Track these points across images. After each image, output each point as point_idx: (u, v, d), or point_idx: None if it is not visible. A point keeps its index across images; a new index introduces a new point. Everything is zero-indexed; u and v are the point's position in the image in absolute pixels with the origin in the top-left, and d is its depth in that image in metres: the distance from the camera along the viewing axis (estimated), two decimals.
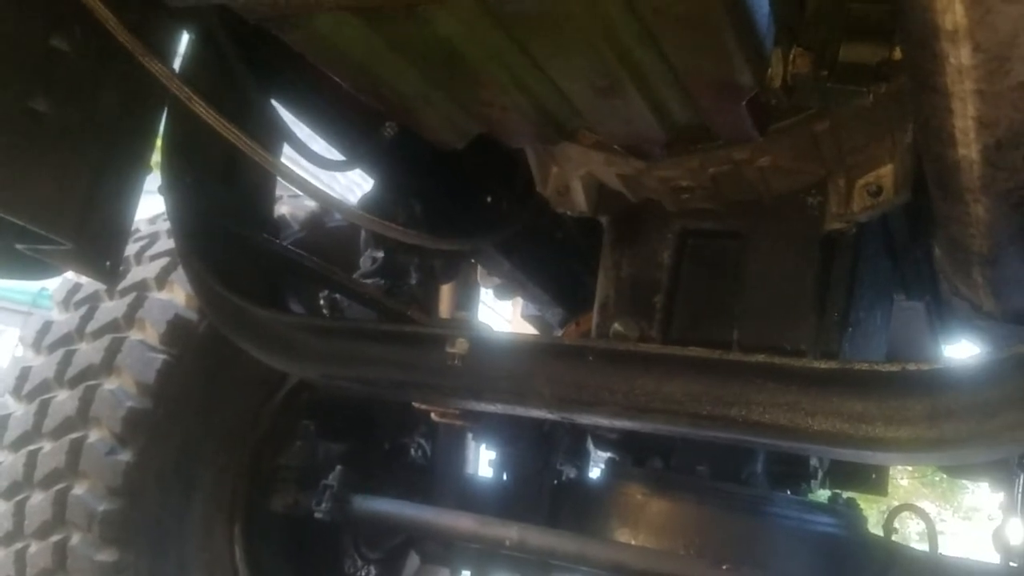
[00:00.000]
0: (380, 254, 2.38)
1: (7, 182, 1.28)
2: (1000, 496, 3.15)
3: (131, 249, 2.74)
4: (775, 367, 1.26)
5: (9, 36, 1.33)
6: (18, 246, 1.45)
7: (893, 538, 2.54)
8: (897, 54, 1.31)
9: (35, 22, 1.36)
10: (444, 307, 2.87)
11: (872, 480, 3.19)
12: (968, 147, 0.98)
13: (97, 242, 1.47)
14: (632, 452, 2.66)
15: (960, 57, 0.85)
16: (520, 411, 1.52)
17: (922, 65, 0.91)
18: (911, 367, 1.15)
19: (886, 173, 1.64)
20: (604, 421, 1.45)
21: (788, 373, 1.25)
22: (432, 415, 2.20)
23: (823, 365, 1.24)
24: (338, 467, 2.50)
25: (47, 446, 2.46)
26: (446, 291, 2.91)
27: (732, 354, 1.31)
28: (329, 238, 2.84)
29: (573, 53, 1.14)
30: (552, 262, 2.89)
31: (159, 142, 1.73)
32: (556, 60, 1.18)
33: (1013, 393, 1.10)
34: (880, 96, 1.36)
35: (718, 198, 1.76)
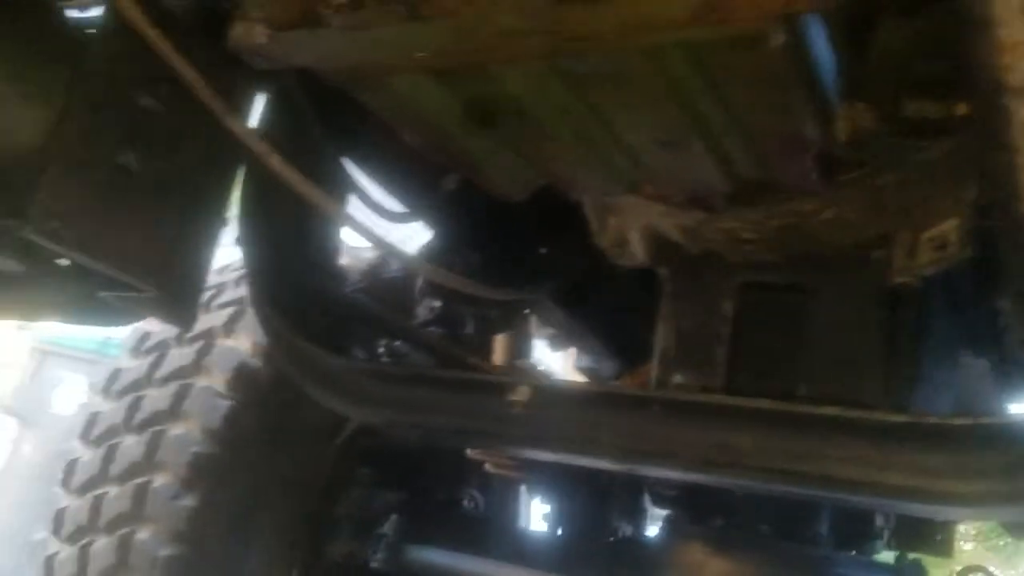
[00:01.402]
0: (437, 303, 2.42)
1: (99, 234, 1.35)
2: None
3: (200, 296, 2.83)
4: (847, 420, 1.25)
5: (102, 95, 1.41)
6: (101, 294, 1.52)
7: None
8: (960, 109, 1.32)
9: (125, 82, 1.44)
10: (498, 357, 2.89)
11: (938, 541, 3.08)
12: None
13: (177, 290, 1.53)
14: (691, 509, 2.61)
15: None
16: (583, 461, 1.52)
17: (989, 121, 0.92)
18: (984, 420, 1.14)
19: (951, 227, 1.62)
20: (671, 474, 1.44)
21: (860, 426, 1.24)
22: (487, 465, 2.21)
23: (895, 418, 1.22)
24: (393, 516, 2.51)
25: (113, 491, 2.51)
26: (500, 341, 2.93)
27: (803, 406, 1.30)
28: (386, 288, 2.89)
29: (639, 109, 1.18)
30: (607, 313, 2.90)
31: (236, 195, 1.81)
32: (621, 116, 1.21)
33: None
34: (943, 151, 1.36)
35: (781, 250, 1.76)
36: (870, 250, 1.71)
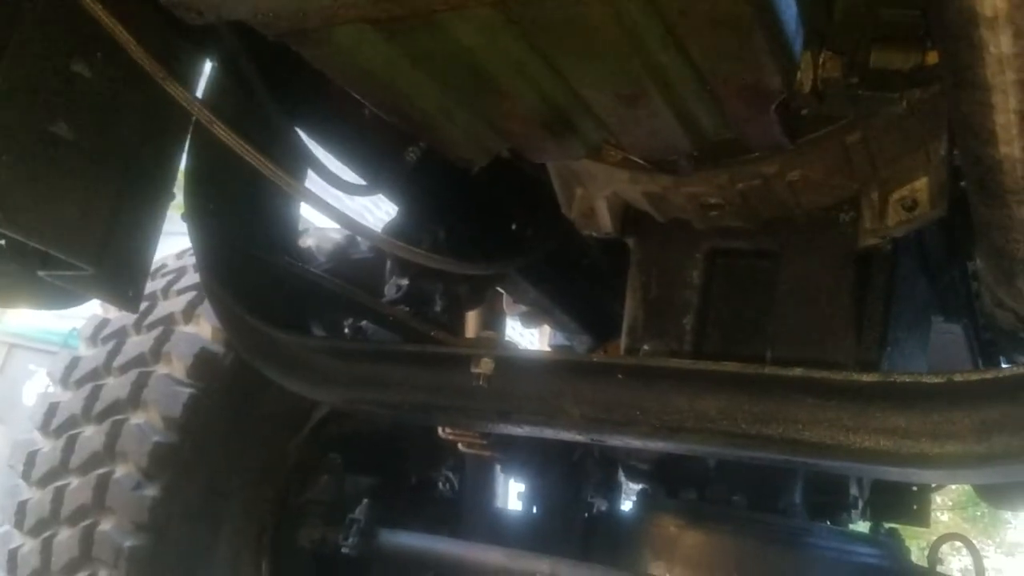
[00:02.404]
0: (404, 281, 2.36)
1: (28, 207, 1.28)
2: None
3: (158, 284, 2.76)
4: (814, 381, 1.21)
5: (30, 61, 1.34)
6: (40, 273, 1.44)
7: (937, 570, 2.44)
8: (930, 59, 1.27)
9: (57, 47, 1.37)
10: (470, 335, 2.84)
11: (914, 511, 3.09)
12: (1010, 144, 0.94)
13: (119, 269, 1.46)
14: (665, 483, 2.59)
15: (1000, 45, 0.82)
16: (548, 432, 1.47)
17: (960, 58, 0.88)
18: (957, 378, 1.10)
19: (921, 186, 1.59)
20: (636, 442, 1.40)
21: (828, 387, 1.20)
22: (459, 446, 2.16)
23: (865, 378, 1.19)
24: (365, 501, 2.47)
25: (74, 482, 2.45)
26: (472, 320, 2.88)
27: (769, 368, 1.26)
28: (355, 269, 2.83)
29: (596, 60, 1.12)
30: (578, 288, 2.86)
31: (183, 170, 1.73)
32: (578, 68, 1.15)
33: None
34: (913, 104, 1.32)
35: (748, 215, 1.72)
36: (838, 213, 1.68)
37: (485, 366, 1.44)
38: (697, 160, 1.50)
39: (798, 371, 1.22)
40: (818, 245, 1.72)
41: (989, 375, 1.09)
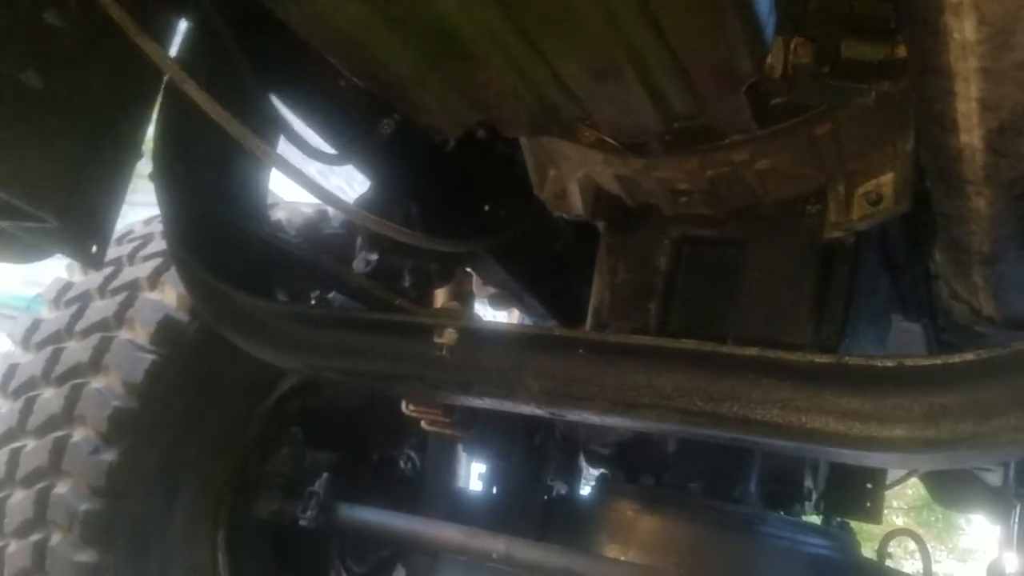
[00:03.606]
0: (374, 256, 2.36)
1: None
2: (997, 533, 3.10)
3: (124, 250, 2.74)
4: (769, 361, 1.23)
5: (1, 9, 1.32)
6: (1, 224, 1.42)
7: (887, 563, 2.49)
8: (900, 52, 1.30)
9: None
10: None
11: (867, 508, 3.13)
12: (970, 132, 0.95)
13: (83, 223, 1.44)
14: (624, 468, 2.62)
15: (964, 31, 0.83)
16: (508, 406, 1.48)
17: (924, 44, 0.89)
18: (908, 362, 1.12)
19: (886, 181, 1.61)
20: (594, 417, 1.41)
21: (782, 367, 1.22)
22: (422, 423, 2.16)
23: (818, 359, 1.21)
24: (325, 475, 2.46)
25: (31, 444, 2.42)
26: (440, 299, 2.88)
27: (725, 347, 1.28)
28: (325, 244, 2.82)
29: (570, 34, 1.12)
30: (548, 272, 2.87)
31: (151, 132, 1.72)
32: (553, 41, 1.16)
33: (1013, 392, 1.07)
34: (882, 96, 1.34)
35: (716, 203, 1.73)
36: (804, 204, 1.70)
37: (448, 336, 1.45)
38: (668, 144, 1.51)
39: (753, 351, 1.24)
40: (783, 236, 1.74)
41: (939, 361, 1.11)
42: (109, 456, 2.32)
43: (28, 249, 1.53)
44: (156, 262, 2.62)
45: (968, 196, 1.06)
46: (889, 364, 1.13)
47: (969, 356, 1.07)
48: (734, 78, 1.12)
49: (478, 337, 1.48)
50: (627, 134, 1.39)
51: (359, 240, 2.48)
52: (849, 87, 1.29)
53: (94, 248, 1.50)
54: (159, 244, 2.67)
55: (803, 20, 1.25)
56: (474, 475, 3.18)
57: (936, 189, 1.14)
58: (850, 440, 1.17)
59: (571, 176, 1.91)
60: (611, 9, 1.06)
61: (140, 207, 2.67)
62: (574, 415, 1.42)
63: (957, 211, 1.11)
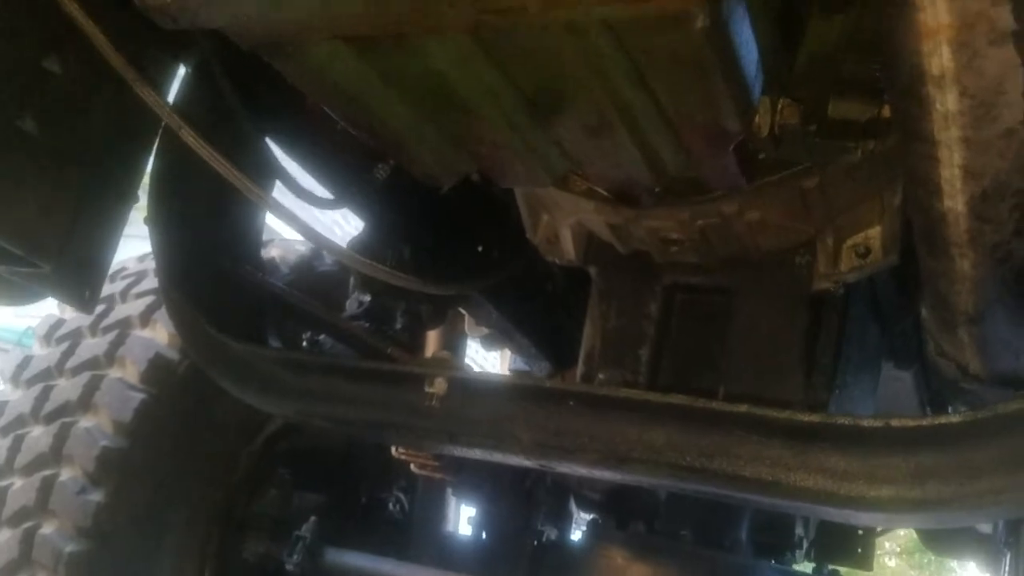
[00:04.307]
0: (367, 298, 2.36)
1: None
2: None
3: (117, 287, 2.74)
4: (759, 418, 1.23)
5: (2, 55, 1.33)
6: None
7: None
8: (886, 112, 1.32)
9: (29, 42, 1.37)
10: (431, 352, 2.84)
11: (858, 554, 3.12)
12: (954, 198, 0.97)
13: (77, 268, 1.45)
14: (615, 514, 2.60)
15: (946, 103, 0.85)
16: (497, 456, 1.48)
17: (909, 112, 0.91)
18: (895, 423, 1.13)
19: (874, 234, 1.64)
20: (583, 470, 1.41)
21: (772, 425, 1.23)
22: (412, 466, 2.15)
23: (806, 418, 1.21)
24: (312, 519, 2.45)
25: (18, 483, 2.41)
26: (432, 340, 2.88)
27: (716, 403, 1.28)
28: (318, 282, 2.83)
29: (564, 90, 1.14)
30: (540, 313, 2.88)
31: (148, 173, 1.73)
32: (547, 97, 1.18)
33: (998, 455, 1.07)
34: (868, 154, 1.36)
35: (707, 252, 1.75)
36: (794, 255, 1.72)
37: (438, 386, 1.45)
38: (659, 196, 1.53)
39: (744, 407, 1.24)
40: (773, 286, 1.75)
41: (925, 422, 1.12)
42: (96, 496, 2.31)
43: (20, 292, 1.53)
44: (149, 299, 2.63)
45: (952, 257, 1.08)
46: (876, 424, 1.14)
47: (955, 418, 1.08)
48: (722, 137, 1.14)
49: (468, 387, 1.48)
50: (618, 187, 1.41)
51: (352, 280, 2.49)
52: (836, 145, 1.31)
53: (87, 293, 1.50)
54: (152, 282, 2.68)
55: (790, 80, 1.28)
56: (463, 519, 3.16)
57: (921, 248, 1.15)
58: (838, 499, 1.17)
59: (563, 222, 1.93)
60: (603, 70, 1.08)
61: (134, 239, 2.68)
62: (564, 467, 1.42)
63: (942, 271, 1.13)
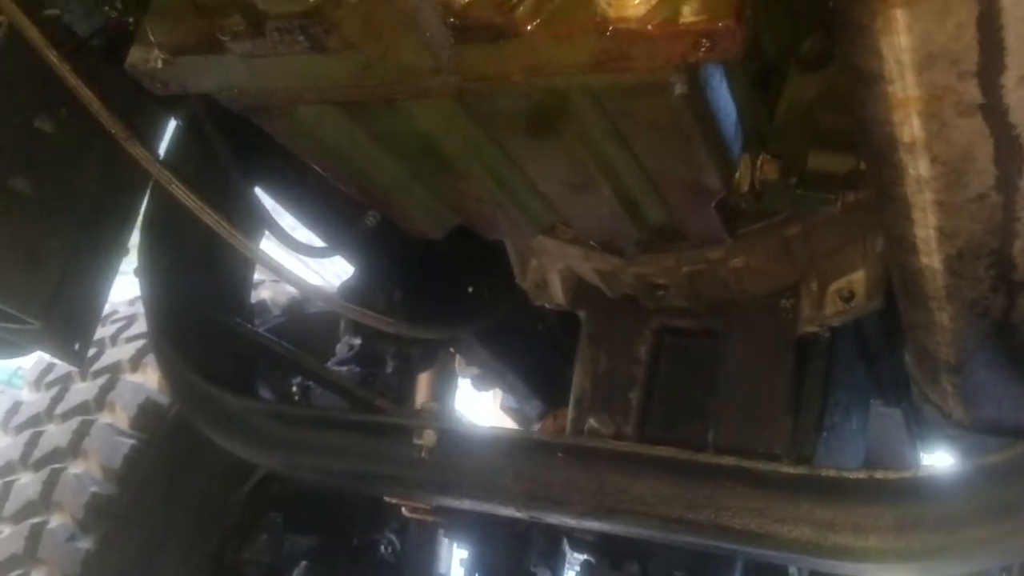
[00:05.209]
0: (357, 341, 2.37)
1: None
2: None
3: (107, 331, 2.74)
4: (745, 471, 1.24)
5: None
6: None
7: None
8: (864, 164, 1.34)
9: (20, 102, 1.38)
10: (421, 396, 2.84)
11: None
12: (930, 256, 0.99)
13: (67, 324, 1.45)
14: (609, 555, 2.59)
15: (919, 168, 0.87)
16: (487, 507, 1.49)
17: (883, 176, 0.93)
18: (879, 475, 1.14)
19: (858, 279, 1.66)
20: (572, 522, 1.42)
21: (757, 477, 1.24)
22: (403, 510, 2.15)
23: (792, 470, 1.22)
24: (303, 563, 2.43)
25: (6, 530, 2.39)
26: (424, 380, 2.88)
27: (702, 456, 1.30)
28: (309, 323, 2.84)
29: (547, 150, 1.17)
30: (531, 354, 2.89)
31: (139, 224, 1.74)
32: (531, 156, 1.20)
33: (981, 506, 1.08)
34: (849, 204, 1.38)
35: (694, 297, 1.77)
36: (779, 299, 1.74)
37: (428, 438, 1.46)
38: (644, 244, 1.55)
39: (731, 460, 1.26)
40: (760, 329, 1.77)
41: (908, 474, 1.13)
42: (85, 544, 2.30)
43: (8, 346, 1.54)
44: (139, 344, 2.63)
45: (931, 311, 1.09)
46: (861, 476, 1.15)
47: (937, 471, 1.10)
48: (704, 195, 1.17)
49: (457, 439, 1.49)
50: (604, 239, 1.43)
51: (343, 324, 2.50)
52: (816, 197, 1.33)
53: (77, 346, 1.51)
54: (142, 325, 2.68)
55: (770, 135, 1.30)
56: (456, 561, 3.14)
57: (901, 300, 1.17)
58: (825, 549, 1.18)
59: (552, 267, 1.95)
60: (586, 129, 1.10)
61: (124, 275, 2.69)
62: (553, 519, 1.43)
63: (921, 323, 1.14)
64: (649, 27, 0.86)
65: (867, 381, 2.15)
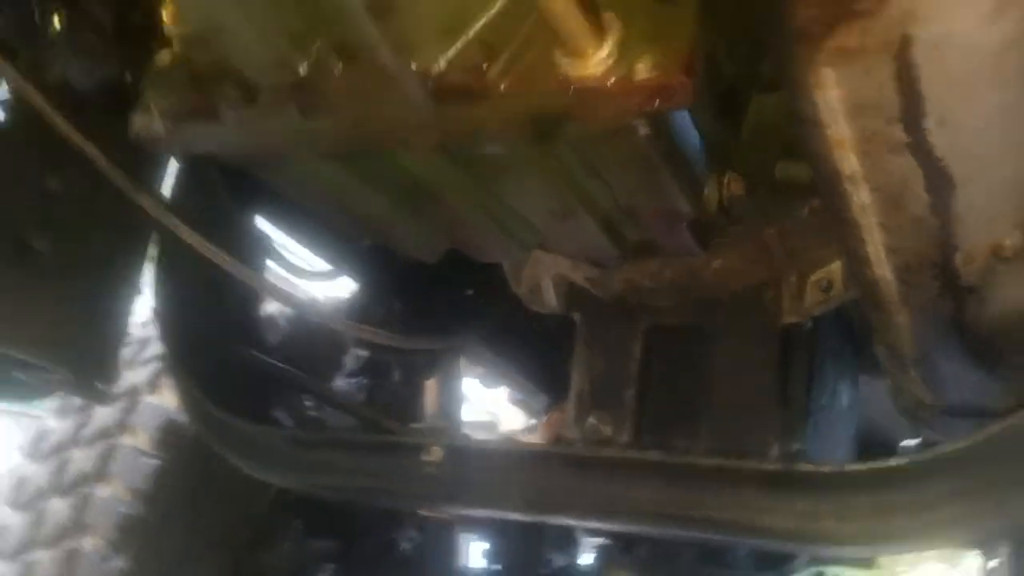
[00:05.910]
0: (365, 353, 2.46)
1: (6, 319, 1.37)
2: None
3: (123, 354, 2.83)
4: (728, 469, 1.35)
5: (7, 178, 1.44)
6: (14, 374, 1.53)
7: None
8: None
9: (31, 164, 1.47)
10: (429, 400, 2.94)
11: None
12: (882, 268, 1.08)
13: (89, 367, 1.55)
14: (620, 538, 2.69)
15: (861, 197, 0.96)
16: (494, 515, 1.59)
17: (833, 201, 1.02)
18: (849, 468, 1.24)
19: (836, 269, 1.74)
20: (573, 523, 1.52)
21: (740, 474, 1.34)
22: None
23: (770, 467, 1.33)
24: (328, 566, 2.53)
25: (44, 555, 2.49)
26: (431, 384, 2.97)
27: (690, 458, 1.40)
28: (316, 334, 2.92)
29: (529, 186, 1.25)
30: (532, 354, 2.97)
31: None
32: (514, 191, 1.29)
33: (945, 490, 1.18)
34: (816, 208, 1.47)
35: (679, 296, 1.85)
36: (761, 292, 1.82)
37: (435, 454, 1.56)
38: (625, 257, 1.64)
39: (716, 460, 1.36)
40: (744, 322, 1.85)
41: (877, 465, 1.23)
42: (119, 563, 2.39)
43: (35, 392, 1.64)
44: (154, 365, 2.72)
45: (890, 313, 1.18)
46: (832, 470, 1.25)
47: (903, 460, 1.19)
48: (675, 218, 1.25)
49: (463, 454, 1.59)
50: (586, 259, 1.51)
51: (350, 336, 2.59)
52: (784, 205, 1.42)
53: (101, 386, 1.61)
54: (156, 347, 2.77)
55: (735, 150, 1.38)
56: (476, 551, 3.25)
57: (864, 305, 1.26)
58: (806, 536, 1.28)
59: (544, 275, 2.03)
60: (564, 167, 1.19)
61: None
62: (555, 521, 1.53)
63: (883, 323, 1.23)
64: (608, 84, 0.95)
65: (854, 360, 2.23)
